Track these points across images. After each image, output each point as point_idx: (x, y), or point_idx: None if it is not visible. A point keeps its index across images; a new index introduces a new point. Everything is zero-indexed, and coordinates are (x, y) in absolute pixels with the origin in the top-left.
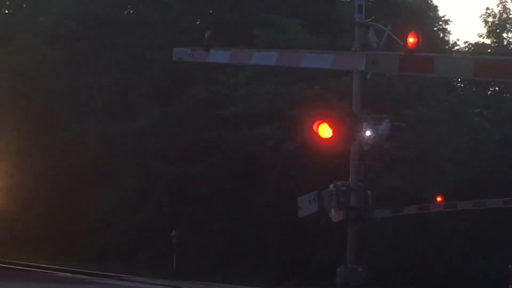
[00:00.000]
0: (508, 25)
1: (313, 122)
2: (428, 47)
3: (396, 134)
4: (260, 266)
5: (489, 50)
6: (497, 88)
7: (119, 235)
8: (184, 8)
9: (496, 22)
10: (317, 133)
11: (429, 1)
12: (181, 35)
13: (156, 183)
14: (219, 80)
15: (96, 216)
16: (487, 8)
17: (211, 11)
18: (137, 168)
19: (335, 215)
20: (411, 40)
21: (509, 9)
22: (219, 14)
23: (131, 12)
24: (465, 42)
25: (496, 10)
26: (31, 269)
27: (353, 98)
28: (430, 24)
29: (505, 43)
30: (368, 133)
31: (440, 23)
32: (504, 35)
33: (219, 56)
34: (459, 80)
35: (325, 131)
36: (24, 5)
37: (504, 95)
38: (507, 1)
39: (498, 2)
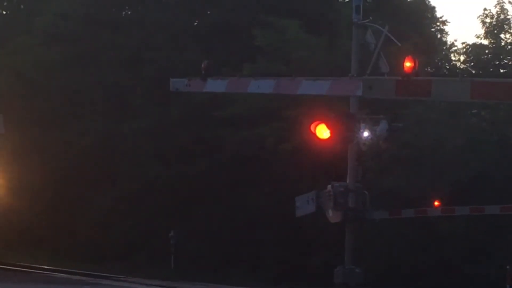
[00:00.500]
0: (505, 26)
1: (311, 123)
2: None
3: (394, 134)
4: (258, 266)
5: (486, 51)
6: None
7: (117, 236)
8: (182, 9)
9: (494, 23)
10: (315, 134)
11: (427, 2)
12: (179, 36)
13: (154, 184)
14: None
15: (94, 217)
16: (485, 9)
17: (209, 12)
18: (135, 169)
19: (333, 216)
20: (408, 64)
21: (507, 10)
22: (217, 15)
23: (129, 13)
24: (463, 43)
25: (494, 11)
26: (28, 270)
27: (351, 98)
28: (428, 25)
29: (502, 43)
30: (365, 133)
31: (438, 24)
32: (502, 35)
33: (216, 85)
34: None
35: (323, 132)
36: (22, 6)
37: None
38: (504, 2)
39: (496, 3)
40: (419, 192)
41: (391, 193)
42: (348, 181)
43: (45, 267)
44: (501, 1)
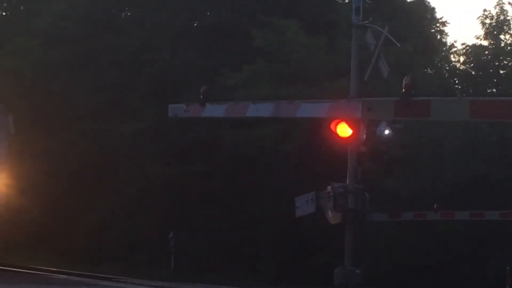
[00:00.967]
0: (505, 27)
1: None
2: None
3: (394, 135)
4: (258, 267)
5: (486, 52)
6: (494, 90)
7: (117, 236)
8: (181, 10)
9: (494, 23)
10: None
11: (427, 3)
12: (178, 37)
13: (153, 185)
14: (216, 82)
15: (93, 217)
16: (485, 10)
17: (208, 13)
18: (135, 170)
19: (333, 217)
20: (406, 84)
21: (506, 11)
22: (216, 15)
23: (129, 14)
24: (463, 44)
25: (493, 12)
26: (27, 270)
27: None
28: (428, 25)
29: (502, 44)
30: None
31: (438, 24)
32: (502, 36)
33: (214, 110)
34: (456, 81)
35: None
36: (22, 7)
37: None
38: (504, 3)
39: (495, 3)
40: (419, 193)
41: (391, 194)
42: (348, 182)
43: (44, 267)
44: (500, 2)
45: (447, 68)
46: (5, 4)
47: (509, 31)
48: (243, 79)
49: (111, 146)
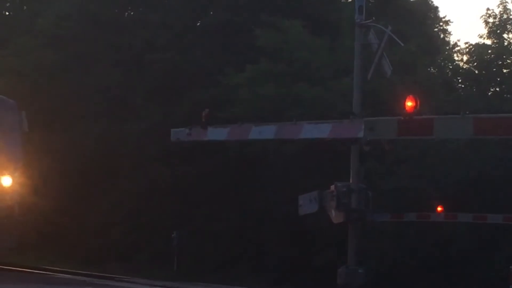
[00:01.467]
0: (508, 26)
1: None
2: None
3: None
4: (261, 267)
5: (489, 51)
6: (497, 89)
7: (119, 236)
8: (185, 9)
9: (497, 22)
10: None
11: (430, 2)
12: (182, 37)
13: (156, 185)
14: (219, 81)
15: (96, 217)
16: (488, 9)
17: (211, 13)
18: (137, 170)
19: (336, 216)
20: (409, 104)
21: (510, 9)
22: (219, 15)
23: (131, 13)
24: (466, 43)
25: (497, 11)
26: (30, 270)
27: (353, 99)
28: (431, 24)
29: (505, 43)
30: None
31: (441, 23)
32: (505, 35)
33: (217, 133)
34: (460, 80)
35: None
36: (25, 7)
37: (505, 95)
38: (507, 2)
39: (499, 2)
40: (422, 192)
41: (394, 194)
42: (351, 181)
43: (47, 267)
44: (504, 1)
45: (450, 67)
46: (8, 4)
47: None
48: (246, 78)
49: (114, 146)
